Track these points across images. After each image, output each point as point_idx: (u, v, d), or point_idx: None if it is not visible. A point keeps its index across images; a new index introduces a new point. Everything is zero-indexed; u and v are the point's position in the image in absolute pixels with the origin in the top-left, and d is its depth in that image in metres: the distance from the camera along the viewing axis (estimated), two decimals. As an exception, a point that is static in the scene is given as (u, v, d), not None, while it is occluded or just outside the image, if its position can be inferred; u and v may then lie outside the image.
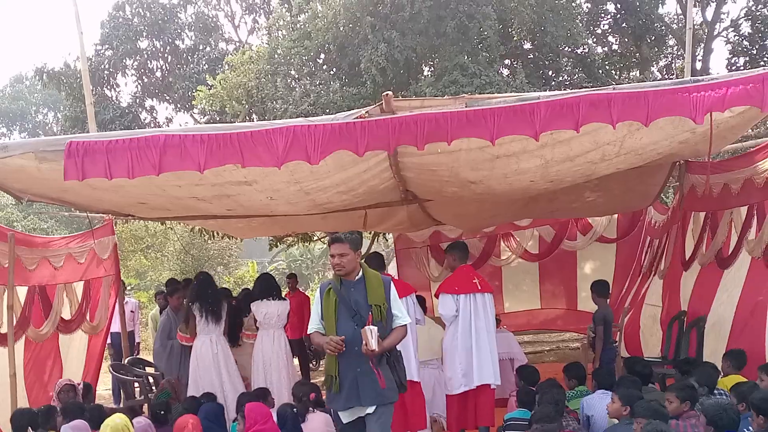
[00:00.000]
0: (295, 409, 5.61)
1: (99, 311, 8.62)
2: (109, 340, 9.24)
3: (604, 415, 5.13)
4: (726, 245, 7.47)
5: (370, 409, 4.88)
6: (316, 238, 15.96)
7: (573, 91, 5.02)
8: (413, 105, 5.26)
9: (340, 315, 4.96)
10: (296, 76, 11.87)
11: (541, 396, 5.11)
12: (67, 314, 8.05)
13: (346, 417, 4.97)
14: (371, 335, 4.71)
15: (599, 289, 7.34)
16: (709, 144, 5.10)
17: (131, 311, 10.99)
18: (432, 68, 11.51)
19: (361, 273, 5.09)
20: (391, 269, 13.38)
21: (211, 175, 5.47)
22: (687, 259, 8.46)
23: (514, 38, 11.41)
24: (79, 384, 6.97)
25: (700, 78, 4.82)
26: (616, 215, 11.80)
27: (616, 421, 4.93)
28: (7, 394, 6.46)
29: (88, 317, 8.42)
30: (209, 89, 11.47)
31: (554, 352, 13.84)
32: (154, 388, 8.06)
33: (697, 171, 8.07)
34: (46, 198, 6.96)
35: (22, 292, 7.07)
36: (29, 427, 5.29)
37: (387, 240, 16.44)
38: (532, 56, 12.33)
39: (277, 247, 15.54)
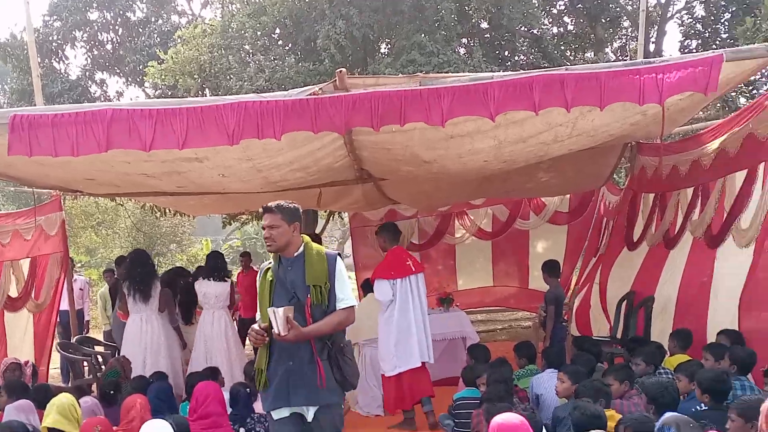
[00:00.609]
0: (248, 389, 5.56)
1: (44, 289, 8.43)
2: (57, 319, 9.03)
3: (554, 394, 5.19)
4: (673, 225, 7.64)
5: (309, 414, 4.22)
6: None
7: (526, 71, 5.02)
8: (368, 83, 5.23)
9: (275, 298, 4.26)
10: (250, 51, 11.67)
11: (489, 374, 5.15)
12: (13, 292, 7.86)
13: (276, 415, 4.28)
14: (275, 317, 3.99)
15: (550, 268, 7.45)
16: (662, 127, 5.16)
17: (80, 289, 10.78)
18: (389, 46, 11.43)
19: (301, 249, 4.35)
20: (347, 249, 13.38)
21: (161, 151, 5.38)
22: (636, 239, 8.62)
23: (472, 18, 11.34)
24: (26, 362, 6.83)
25: (651, 60, 4.87)
26: (568, 195, 11.94)
27: (565, 400, 5.00)
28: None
29: (33, 295, 8.23)
30: (161, 64, 11.21)
31: (506, 330, 14.02)
32: (103, 367, 7.95)
33: (647, 153, 8.21)
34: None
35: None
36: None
37: (342, 219, 16.37)
38: (488, 36, 12.32)
39: (230, 225, 15.38)
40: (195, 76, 11.01)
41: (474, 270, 13.03)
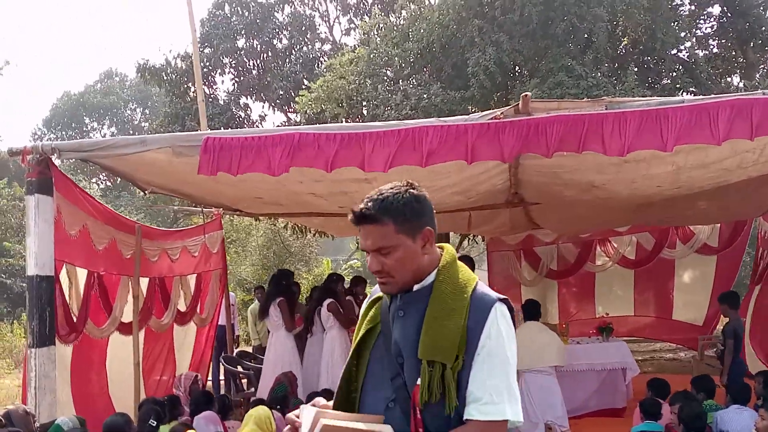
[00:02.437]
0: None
1: (208, 304, 8.83)
2: (215, 333, 9.43)
3: (740, 429, 4.97)
4: None
5: None
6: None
7: (713, 97, 4.86)
8: (550, 107, 5.19)
9: (372, 366, 2.31)
10: (395, 78, 11.90)
11: (681, 409, 4.95)
12: (182, 306, 8.26)
13: None
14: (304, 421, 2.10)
15: (730, 300, 7.11)
16: None
17: (231, 304, 11.21)
18: (537, 70, 11.39)
19: (431, 278, 2.29)
20: (481, 272, 13.33)
21: (334, 172, 5.56)
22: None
23: (624, 41, 11.16)
24: (197, 376, 7.15)
25: None
26: (718, 225, 11.50)
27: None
28: (130, 382, 6.66)
29: (198, 309, 8.63)
30: (310, 92, 11.61)
31: (649, 362, 13.52)
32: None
33: (820, 181, 7.80)
34: (166, 189, 7.22)
35: (144, 283, 7.28)
36: (152, 417, 5.41)
37: (477, 242, 16.30)
38: (637, 58, 12.07)
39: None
40: (342, 104, 11.32)
41: (615, 298, 12.68)
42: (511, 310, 2.24)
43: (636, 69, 10.92)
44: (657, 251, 12.10)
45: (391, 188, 2.28)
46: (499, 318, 2.18)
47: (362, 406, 2.27)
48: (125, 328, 6.84)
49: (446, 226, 9.83)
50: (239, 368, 8.73)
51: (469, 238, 14.41)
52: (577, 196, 7.16)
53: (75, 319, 5.98)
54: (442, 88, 10.99)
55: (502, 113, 5.09)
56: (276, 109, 15.06)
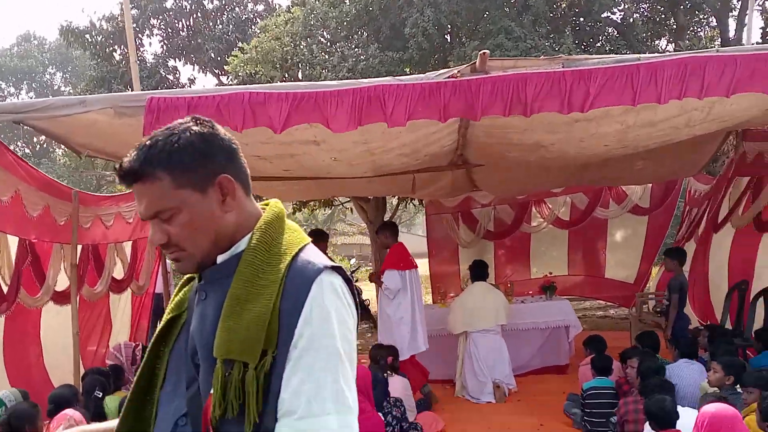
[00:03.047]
0: (385, 374, 5.56)
1: (144, 271, 8.57)
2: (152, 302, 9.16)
3: (691, 383, 5.11)
4: (766, 209, 7.53)
5: None
6: (337, 203, 15.88)
7: (668, 54, 4.90)
8: (506, 65, 5.14)
9: (170, 369, 1.72)
10: (332, 39, 11.67)
11: (640, 364, 5.03)
12: (118, 274, 7.99)
13: None
14: None
15: (678, 256, 7.32)
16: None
17: (168, 272, 10.90)
18: (476, 32, 11.33)
19: (243, 245, 1.66)
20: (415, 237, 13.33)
21: (283, 134, 5.42)
22: (720, 221, 8.52)
23: (561, 3, 11.21)
24: (138, 345, 6.94)
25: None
26: (650, 185, 11.80)
27: (710, 389, 4.91)
28: (66, 353, 6.41)
29: (134, 277, 8.36)
30: (244, 54, 11.26)
31: (582, 320, 13.81)
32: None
33: (753, 138, 8.05)
34: (104, 152, 6.89)
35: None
36: (97, 387, 5.22)
37: (406, 208, 16.30)
38: (574, 21, 12.16)
39: (300, 211, 15.42)
40: (277, 66, 11.04)
41: (549, 258, 12.91)
42: (348, 281, 1.61)
43: (573, 31, 11.00)
44: (590, 211, 12.36)
45: (166, 129, 1.62)
46: (326, 294, 1.53)
47: (156, 423, 1.67)
48: (60, 298, 6.58)
49: (390, 189, 9.76)
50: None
51: (405, 203, 14.38)
52: (523, 156, 7.18)
53: (6, 289, 5.70)
54: (380, 50, 10.84)
55: (459, 72, 5.02)
56: (207, 71, 14.56)
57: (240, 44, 12.76)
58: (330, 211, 34.73)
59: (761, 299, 6.82)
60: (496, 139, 6.50)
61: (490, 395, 7.02)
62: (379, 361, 5.65)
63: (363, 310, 9.16)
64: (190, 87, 16.44)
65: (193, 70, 14.11)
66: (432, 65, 11.32)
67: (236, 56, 11.41)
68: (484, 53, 4.87)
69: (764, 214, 7.49)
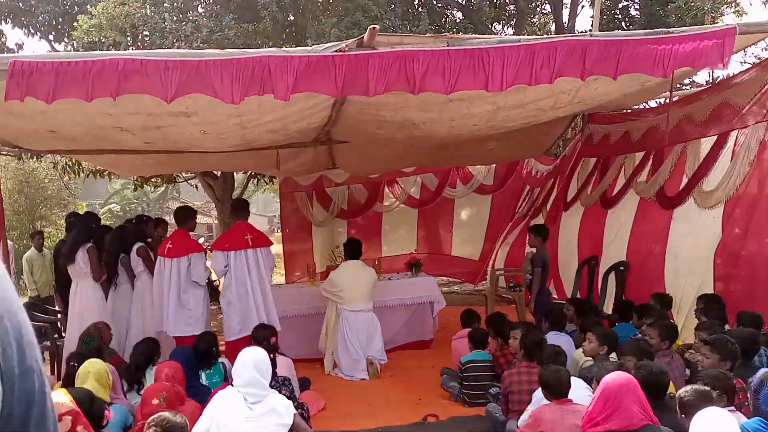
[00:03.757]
0: (272, 355, 5.41)
1: (-19, 251, 7.81)
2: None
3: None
4: (611, 187, 8.15)
5: None
6: (181, 179, 15.30)
7: (547, 37, 5.09)
8: (392, 41, 5.12)
9: None
10: (181, 8, 11.14)
11: (524, 336, 5.20)
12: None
13: None
14: None
15: (538, 231, 7.56)
16: (670, 95, 5.39)
17: (8, 251, 10.05)
18: (333, 9, 11.22)
19: None
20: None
21: (151, 104, 5.15)
22: (569, 200, 9.06)
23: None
24: None
25: (670, 30, 5.03)
26: (494, 166, 12.29)
27: (583, 358, 5.19)
28: None
29: (-30, 257, 7.61)
30: (90, 19, 10.48)
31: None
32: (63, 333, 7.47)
33: (598, 121, 8.61)
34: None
35: None
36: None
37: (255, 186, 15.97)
38: (428, 2, 12.35)
39: (142, 187, 14.72)
40: (127, 34, 10.40)
41: (398, 237, 13.18)
42: None
43: (428, 13, 11.19)
44: (439, 191, 12.75)
45: None
46: None
47: None
48: None
49: (252, 164, 9.52)
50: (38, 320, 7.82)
51: (257, 179, 14.10)
52: (391, 134, 7.24)
53: None
54: (235, 21, 10.50)
55: (346, 46, 4.94)
56: (41, 37, 13.39)
57: (77, 9, 11.91)
58: (162, 189, 33.40)
59: (612, 274, 7.31)
60: (369, 116, 6.51)
61: (364, 372, 7.05)
62: (262, 342, 5.49)
63: (213, 291, 8.83)
64: (18, 52, 15.14)
65: (25, 34, 12.87)
66: (287, 39, 11.13)
67: (83, 21, 10.59)
68: (374, 28, 4.84)
69: (608, 191, 8.01)
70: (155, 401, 3.91)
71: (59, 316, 8.31)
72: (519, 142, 8.81)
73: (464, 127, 6.68)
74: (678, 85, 7.87)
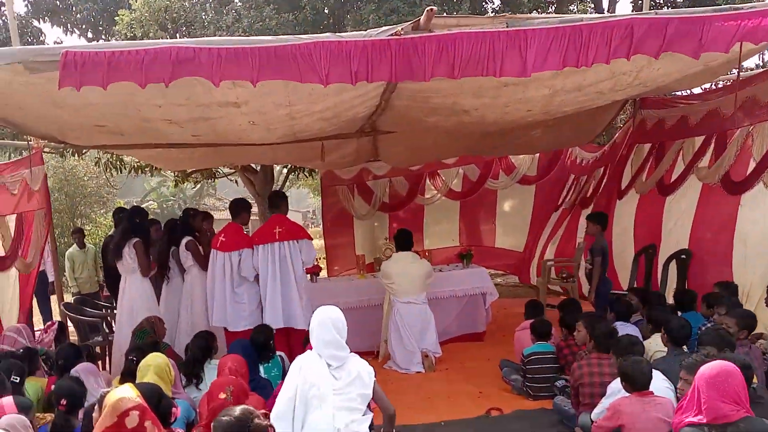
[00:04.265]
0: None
1: (32, 247, 7.80)
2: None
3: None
4: (668, 173, 7.86)
5: None
6: (221, 175, 15.25)
7: (604, 16, 4.89)
8: (449, 23, 4.95)
9: None
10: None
11: (594, 328, 5.02)
12: (1, 250, 7.24)
13: None
14: None
15: (598, 220, 7.36)
16: (737, 76, 5.16)
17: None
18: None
19: None
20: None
21: (201, 94, 5.06)
22: (623, 188, 8.80)
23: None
24: (53, 324, 6.33)
25: (739, 6, 4.80)
26: (538, 156, 12.07)
27: (653, 350, 5.01)
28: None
29: (21, 253, 7.60)
30: (132, 13, 10.46)
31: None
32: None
33: (650, 106, 8.36)
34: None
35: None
36: (14, 372, 4.68)
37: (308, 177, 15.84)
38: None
39: (183, 183, 14.70)
40: (167, 27, 10.37)
41: (440, 230, 13.00)
42: None
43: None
44: (482, 182, 12.56)
45: None
46: None
47: None
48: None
49: (295, 156, 9.42)
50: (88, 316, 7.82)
51: (297, 173, 13.99)
52: (439, 122, 7.08)
53: None
54: (275, 11, 10.42)
55: (402, 29, 4.78)
56: (80, 34, 13.42)
57: (115, 6, 11.90)
58: (198, 186, 33.61)
59: (673, 262, 7.07)
60: (419, 103, 6.35)
61: (419, 365, 6.94)
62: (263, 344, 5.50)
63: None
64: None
65: (62, 32, 12.88)
66: (327, 27, 11.05)
67: (124, 15, 10.57)
68: (431, 9, 4.65)
69: (666, 178, 7.76)
70: (222, 395, 3.80)
71: (108, 311, 8.30)
72: (567, 129, 8.59)
73: (517, 113, 6.50)
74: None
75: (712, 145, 7.12)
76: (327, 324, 3.81)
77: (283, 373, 5.47)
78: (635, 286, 7.52)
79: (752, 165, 6.41)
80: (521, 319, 6.69)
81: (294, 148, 8.06)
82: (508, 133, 8.28)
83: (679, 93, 8.83)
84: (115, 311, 7.22)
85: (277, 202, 7.24)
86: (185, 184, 16.01)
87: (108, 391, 3.23)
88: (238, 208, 7.15)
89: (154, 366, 4.23)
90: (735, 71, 6.85)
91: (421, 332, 7.02)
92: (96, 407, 3.32)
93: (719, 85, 8.30)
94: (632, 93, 6.31)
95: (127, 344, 6.10)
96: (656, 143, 8.20)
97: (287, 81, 4.66)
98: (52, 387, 4.79)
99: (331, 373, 3.72)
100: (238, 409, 2.87)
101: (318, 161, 8.92)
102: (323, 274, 11.85)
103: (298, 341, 6.27)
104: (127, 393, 3.17)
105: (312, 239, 6.99)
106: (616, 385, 4.16)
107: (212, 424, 2.85)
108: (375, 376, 3.83)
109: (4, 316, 7.18)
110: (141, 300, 6.60)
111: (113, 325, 7.44)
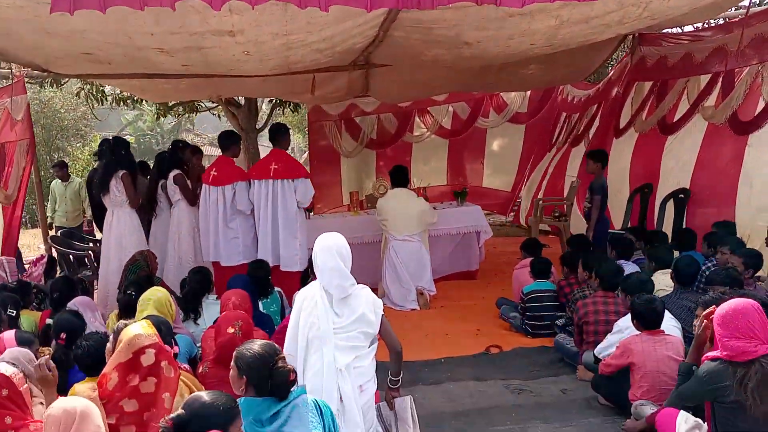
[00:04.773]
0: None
1: (13, 179, 7.55)
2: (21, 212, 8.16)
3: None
4: (671, 112, 7.68)
5: None
6: (203, 109, 14.88)
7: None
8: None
9: None
10: None
11: (599, 266, 4.96)
12: (-23, 181, 7.03)
13: None
14: None
15: (599, 157, 7.19)
16: (747, 10, 5.02)
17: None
18: None
19: None
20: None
21: (196, 22, 4.86)
22: (622, 127, 8.66)
23: None
24: (42, 258, 6.17)
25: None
26: (529, 94, 11.91)
27: (656, 288, 4.97)
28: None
29: (1, 184, 7.37)
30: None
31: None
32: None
33: (650, 43, 8.17)
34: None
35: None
36: (10, 305, 4.56)
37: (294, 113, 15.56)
38: None
39: (165, 116, 14.37)
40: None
41: (429, 169, 12.84)
42: None
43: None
44: (472, 121, 12.38)
45: None
46: None
47: None
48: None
49: (281, 88, 9.18)
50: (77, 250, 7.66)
51: (283, 108, 13.70)
52: (437, 56, 6.90)
53: None
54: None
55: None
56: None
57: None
58: (176, 121, 33.02)
59: (670, 201, 7.01)
60: (420, 35, 6.17)
61: (414, 302, 6.90)
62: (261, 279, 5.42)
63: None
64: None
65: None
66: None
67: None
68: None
69: (668, 117, 7.64)
70: (231, 330, 3.68)
71: (94, 245, 8.15)
72: (561, 66, 8.44)
73: (520, 45, 6.33)
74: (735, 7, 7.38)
75: (719, 84, 6.95)
76: (331, 249, 3.57)
77: (282, 309, 5.39)
78: (629, 225, 7.46)
79: (761, 104, 6.25)
80: (512, 258, 6.67)
81: (285, 80, 7.84)
82: (503, 68, 8.12)
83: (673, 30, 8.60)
84: (99, 245, 7.08)
85: (276, 136, 6.96)
86: (164, 118, 15.68)
87: (126, 324, 3.12)
88: (229, 140, 6.93)
89: (154, 300, 4.11)
90: (742, 8, 6.74)
91: (416, 269, 6.95)
92: (110, 340, 3.21)
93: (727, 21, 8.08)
94: (639, 26, 6.17)
95: (114, 278, 5.99)
96: (658, 81, 8.04)
97: (285, 8, 4.49)
98: (46, 321, 4.69)
99: (333, 309, 3.52)
100: (260, 344, 2.75)
101: (308, 95, 8.68)
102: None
103: (291, 284, 6.16)
104: (143, 329, 3.05)
105: (309, 177, 6.78)
106: (623, 322, 4.13)
107: (235, 354, 2.73)
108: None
109: (-14, 249, 7.02)
110: (129, 233, 6.43)
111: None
